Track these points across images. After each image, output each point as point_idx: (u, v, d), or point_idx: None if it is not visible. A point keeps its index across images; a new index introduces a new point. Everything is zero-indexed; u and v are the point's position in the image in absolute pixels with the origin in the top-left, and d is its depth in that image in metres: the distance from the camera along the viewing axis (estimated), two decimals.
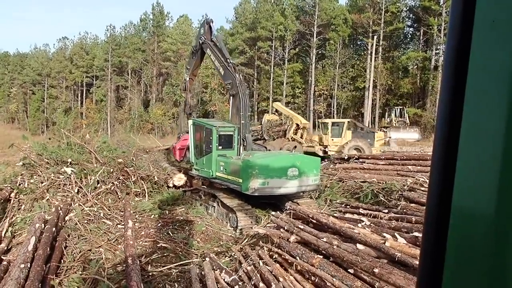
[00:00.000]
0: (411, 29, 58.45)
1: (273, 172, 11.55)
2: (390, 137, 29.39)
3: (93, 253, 9.03)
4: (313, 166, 12.56)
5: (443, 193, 0.92)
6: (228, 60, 14.47)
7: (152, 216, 12.26)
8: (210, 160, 13.34)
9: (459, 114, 0.89)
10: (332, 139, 24.34)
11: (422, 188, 10.97)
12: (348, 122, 26.42)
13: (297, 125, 25.25)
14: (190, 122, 14.73)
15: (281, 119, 27.39)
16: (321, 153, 23.16)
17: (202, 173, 13.93)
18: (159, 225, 11.55)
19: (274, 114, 28.61)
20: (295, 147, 23.08)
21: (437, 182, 0.97)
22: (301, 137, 25.13)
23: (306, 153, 20.25)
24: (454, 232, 0.90)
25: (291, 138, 24.66)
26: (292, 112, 29.11)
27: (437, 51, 49.63)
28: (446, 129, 0.94)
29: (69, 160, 13.48)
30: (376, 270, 5.40)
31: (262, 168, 11.46)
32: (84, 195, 12.16)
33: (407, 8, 55.37)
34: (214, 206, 13.08)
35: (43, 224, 8.92)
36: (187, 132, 15.71)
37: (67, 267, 8.13)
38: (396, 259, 5.63)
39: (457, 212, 0.89)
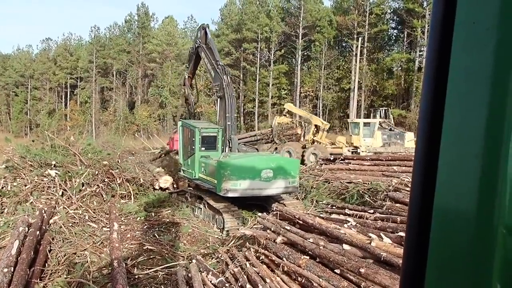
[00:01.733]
0: (395, 31, 59.10)
1: (245, 173, 11.43)
2: None
3: (78, 256, 8.95)
4: (290, 168, 12.38)
5: (425, 193, 0.94)
6: (218, 62, 14.54)
7: (138, 218, 12.20)
8: (193, 161, 13.36)
9: (440, 114, 0.90)
10: (364, 140, 23.79)
11: (407, 188, 11.07)
12: (379, 122, 25.93)
13: (316, 126, 24.61)
14: (179, 123, 14.83)
15: (292, 122, 26.04)
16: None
17: (187, 174, 13.95)
18: (145, 227, 11.50)
19: (285, 116, 26.97)
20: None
21: (419, 182, 0.98)
22: (320, 139, 24.39)
23: (331, 155, 19.88)
24: (436, 232, 0.92)
25: (311, 140, 24.00)
26: (308, 113, 28.28)
27: (421, 53, 50.17)
28: (428, 129, 0.95)
29: (53, 162, 13.33)
30: (362, 270, 5.45)
31: (235, 169, 11.39)
32: (68, 198, 12.04)
33: (391, 10, 55.92)
34: (201, 208, 13.03)
35: (26, 228, 8.81)
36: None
37: (52, 270, 8.04)
38: (382, 259, 5.68)
39: (439, 212, 0.91)
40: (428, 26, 46.43)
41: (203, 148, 13.26)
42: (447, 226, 0.89)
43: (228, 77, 14.28)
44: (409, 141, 24.19)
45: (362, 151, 22.84)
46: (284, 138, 24.43)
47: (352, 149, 23.77)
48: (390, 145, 23.50)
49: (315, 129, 24.53)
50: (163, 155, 21.89)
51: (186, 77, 18.23)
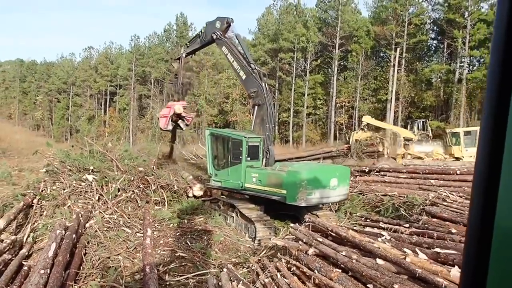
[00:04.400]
0: (435, 41, 57.86)
1: (319, 183, 11.65)
2: None
3: (112, 260, 9.10)
4: (346, 176, 12.66)
5: (485, 212, 0.88)
6: (252, 65, 13.99)
7: (171, 225, 12.32)
8: (238, 171, 13.11)
9: (502, 130, 0.84)
10: (466, 150, 22.84)
11: (445, 203, 10.74)
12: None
13: (405, 138, 23.52)
14: (207, 132, 14.58)
15: (371, 138, 23.87)
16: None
17: (227, 184, 13.60)
18: (177, 234, 11.58)
19: (363, 130, 25.13)
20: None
21: (479, 200, 0.92)
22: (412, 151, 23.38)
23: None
24: (497, 252, 0.86)
25: (402, 154, 22.80)
26: (392, 125, 26.64)
27: (461, 64, 48.90)
28: (489, 146, 0.89)
29: (91, 167, 13.67)
30: (396, 286, 5.28)
31: (311, 179, 11.57)
32: (104, 203, 12.30)
33: (431, 20, 54.86)
34: (233, 217, 13.03)
35: (63, 231, 9.03)
36: (174, 101, 17.57)
37: (86, 274, 8.20)
38: (417, 275, 5.49)
39: (500, 233, 0.85)
40: (469, 36, 45.28)
41: (248, 158, 13.10)
42: (509, 248, 0.83)
43: (266, 83, 13.94)
44: None
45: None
46: (364, 155, 22.63)
47: (452, 160, 22.47)
48: None
49: (405, 142, 23.22)
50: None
51: (183, 55, 17.59)
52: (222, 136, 14.04)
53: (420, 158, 23.03)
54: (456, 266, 5.50)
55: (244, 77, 14.14)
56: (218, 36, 15.16)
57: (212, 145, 14.21)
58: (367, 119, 26.64)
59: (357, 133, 24.97)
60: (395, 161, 22.07)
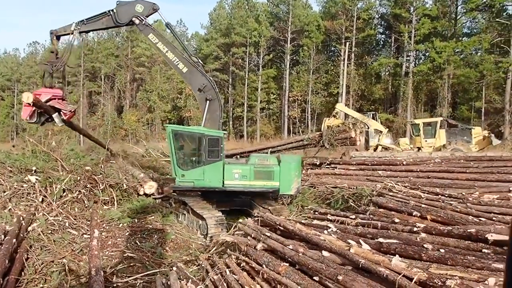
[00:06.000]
0: (383, 36, 59.65)
1: (299, 173, 13.22)
2: (489, 133, 25.18)
3: (56, 264, 8.74)
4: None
5: None
6: (194, 57, 13.49)
7: (121, 225, 11.99)
8: (217, 169, 12.68)
9: None
10: (426, 140, 23.32)
11: (390, 193, 11.06)
12: (441, 120, 25.05)
13: (377, 130, 23.55)
14: (169, 129, 13.06)
15: (345, 124, 22.62)
16: None
17: (201, 184, 12.85)
18: (127, 234, 11.31)
19: (335, 117, 24.26)
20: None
21: None
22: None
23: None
24: None
25: (375, 146, 22.90)
26: (364, 116, 25.79)
27: (408, 58, 50.64)
28: None
29: (34, 168, 13.10)
30: (340, 278, 5.37)
31: (297, 170, 13.01)
32: (48, 204, 11.79)
33: (379, 15, 56.48)
34: (185, 214, 12.88)
35: (3, 235, 8.61)
36: (45, 87, 14.23)
37: (28, 279, 7.84)
38: (360, 266, 5.61)
39: None
40: (415, 31, 46.90)
41: (221, 154, 12.76)
42: None
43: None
44: (476, 137, 23.16)
45: (425, 152, 21.19)
46: (336, 142, 21.64)
47: (417, 151, 22.45)
48: (457, 143, 22.66)
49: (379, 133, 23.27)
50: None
51: (76, 33, 14.16)
52: (191, 134, 13.27)
53: (386, 149, 23.41)
54: (397, 255, 5.66)
55: (185, 70, 13.41)
56: (143, 22, 13.61)
57: (176, 144, 12.91)
58: (340, 106, 26.60)
59: (329, 119, 24.32)
60: (374, 153, 22.19)
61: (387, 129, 25.84)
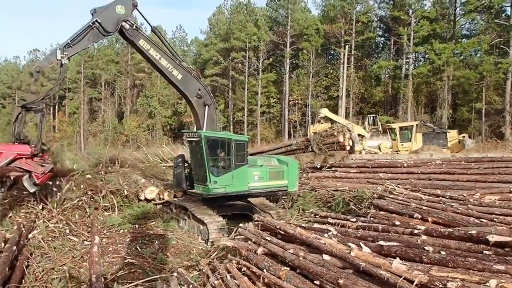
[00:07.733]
0: (382, 38, 59.76)
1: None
2: (464, 136, 25.28)
3: (57, 271, 8.72)
4: None
5: None
6: (184, 63, 13.13)
7: (121, 231, 11.99)
8: (243, 173, 12.74)
9: None
10: (402, 144, 23.58)
11: (391, 196, 11.02)
12: (417, 124, 25.29)
13: (360, 135, 23.51)
14: (202, 135, 12.28)
15: (332, 128, 22.76)
16: None
17: (232, 189, 12.66)
18: (127, 240, 11.30)
19: (320, 122, 24.44)
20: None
21: None
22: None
23: None
24: None
25: (360, 151, 22.81)
26: (348, 121, 26.14)
27: (407, 60, 50.66)
28: None
29: None
30: (341, 281, 5.34)
31: (297, 168, 14.78)
32: (49, 211, 11.79)
33: (378, 18, 56.56)
34: (185, 219, 12.86)
35: (3, 243, 8.60)
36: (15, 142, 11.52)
37: (28, 287, 7.83)
38: (361, 269, 5.58)
39: None
40: (414, 33, 46.97)
41: (246, 159, 13.08)
42: None
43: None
44: (451, 140, 23.48)
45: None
46: (324, 147, 21.79)
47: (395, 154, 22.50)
48: (429, 147, 22.72)
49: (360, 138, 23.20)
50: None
51: (65, 60, 11.70)
52: (221, 139, 12.80)
53: (371, 153, 23.57)
54: (398, 258, 5.63)
55: (180, 77, 12.75)
56: (133, 26, 12.11)
57: (209, 150, 12.26)
58: (325, 111, 26.32)
59: (313, 126, 24.54)
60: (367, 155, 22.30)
61: (370, 134, 25.95)
